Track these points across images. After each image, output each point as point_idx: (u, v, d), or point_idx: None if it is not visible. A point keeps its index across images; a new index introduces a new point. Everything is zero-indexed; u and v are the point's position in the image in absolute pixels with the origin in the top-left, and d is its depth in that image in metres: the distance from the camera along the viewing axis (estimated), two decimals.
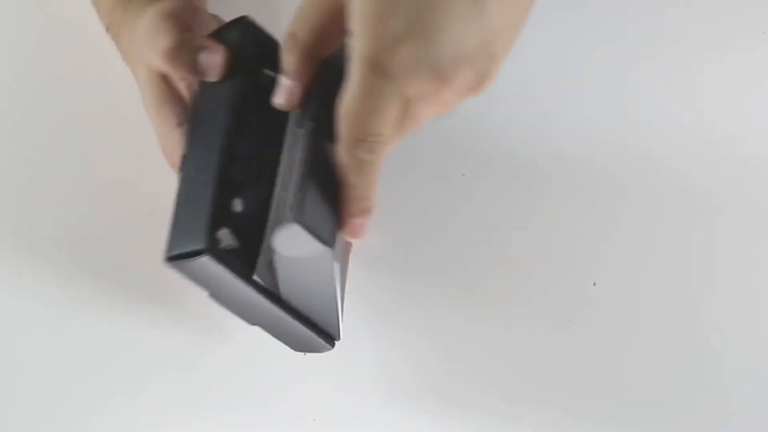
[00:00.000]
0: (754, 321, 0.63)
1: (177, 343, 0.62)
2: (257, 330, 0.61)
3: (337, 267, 0.53)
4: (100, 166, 0.66)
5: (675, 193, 0.67)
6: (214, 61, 0.57)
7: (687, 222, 0.66)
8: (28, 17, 0.70)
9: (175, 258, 0.54)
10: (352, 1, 0.48)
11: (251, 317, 0.58)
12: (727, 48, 0.72)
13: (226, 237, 0.53)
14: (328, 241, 0.50)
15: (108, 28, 0.65)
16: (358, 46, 0.49)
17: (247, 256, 0.53)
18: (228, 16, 0.60)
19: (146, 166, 0.63)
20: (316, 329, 0.58)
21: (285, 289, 0.55)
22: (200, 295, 0.63)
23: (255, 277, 0.54)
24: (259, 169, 0.54)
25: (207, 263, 0.53)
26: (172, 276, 0.64)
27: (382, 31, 0.48)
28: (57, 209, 0.66)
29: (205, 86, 0.57)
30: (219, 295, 0.56)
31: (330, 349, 0.59)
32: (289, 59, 0.53)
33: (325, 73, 0.53)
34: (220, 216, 0.53)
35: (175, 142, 0.59)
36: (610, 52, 0.70)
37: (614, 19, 0.72)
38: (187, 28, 0.59)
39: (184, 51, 0.57)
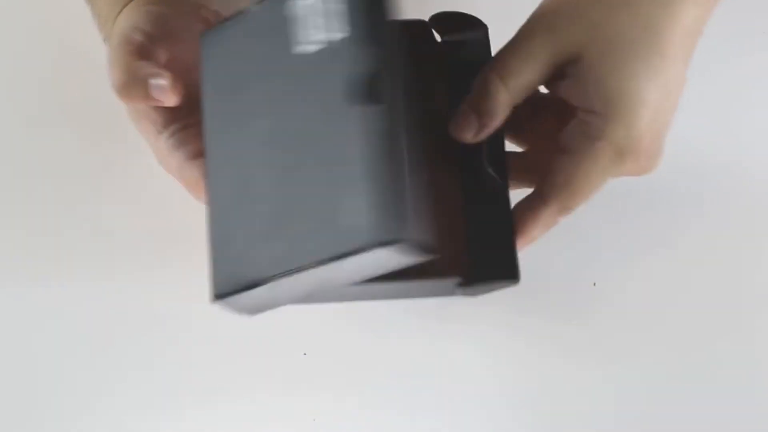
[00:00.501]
0: (754, 321, 0.63)
1: (176, 342, 0.63)
2: (257, 329, 0.61)
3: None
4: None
5: (675, 193, 0.67)
6: (163, 88, 0.57)
7: (687, 222, 0.66)
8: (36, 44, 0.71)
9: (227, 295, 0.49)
10: (598, 83, 0.49)
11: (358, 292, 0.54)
12: (726, 48, 0.72)
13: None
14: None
15: (105, 40, 0.65)
16: (607, 130, 0.50)
17: None
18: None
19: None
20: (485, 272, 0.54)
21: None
22: (200, 295, 0.63)
23: None
24: None
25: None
26: (172, 275, 0.64)
27: (642, 125, 0.50)
28: (52, 198, 0.66)
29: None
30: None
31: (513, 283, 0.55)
32: (492, 104, 0.52)
33: None
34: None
35: (162, 148, 0.60)
36: None
37: None
38: (142, 53, 0.58)
39: (134, 85, 0.57)
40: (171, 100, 0.57)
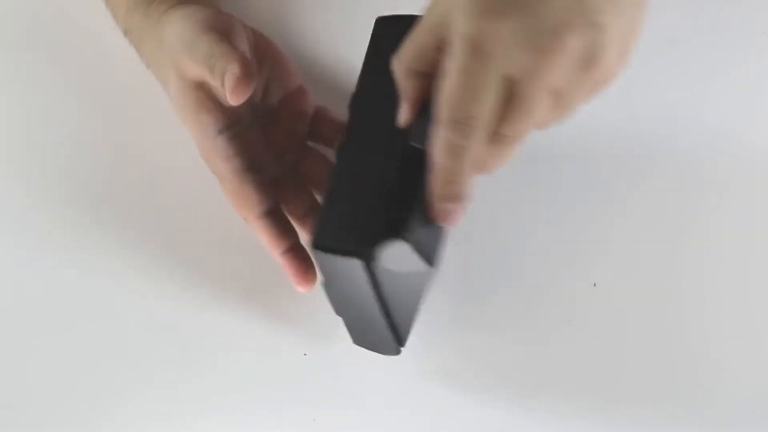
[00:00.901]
0: (755, 321, 0.63)
1: (176, 343, 0.63)
2: (257, 329, 0.61)
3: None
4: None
5: (675, 193, 0.67)
6: (239, 75, 0.57)
7: (687, 221, 0.66)
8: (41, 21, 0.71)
9: (325, 249, 0.52)
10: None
11: (346, 310, 0.58)
12: (727, 48, 0.72)
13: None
14: (432, 260, 0.51)
15: (126, 33, 0.65)
16: (457, 26, 0.47)
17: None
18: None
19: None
20: (394, 332, 0.58)
21: (383, 290, 0.55)
22: (200, 295, 0.63)
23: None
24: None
25: (358, 267, 0.52)
26: (171, 276, 0.64)
27: (484, 7, 0.46)
28: (79, 200, 0.66)
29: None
30: (333, 287, 0.56)
31: (396, 354, 0.60)
32: (399, 82, 0.52)
33: None
34: (394, 229, 0.51)
35: (218, 149, 0.59)
36: None
37: None
38: (225, 37, 0.59)
39: (221, 60, 0.57)
40: (242, 92, 0.57)
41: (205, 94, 0.60)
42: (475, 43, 0.46)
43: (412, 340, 0.61)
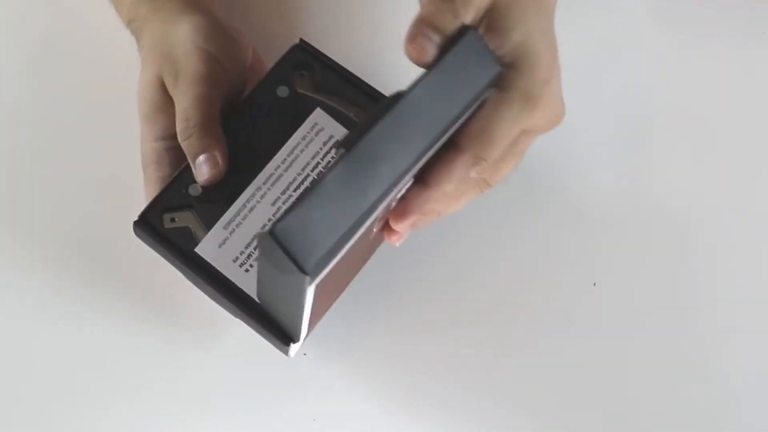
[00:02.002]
0: (755, 321, 0.63)
1: (176, 343, 0.63)
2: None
3: (311, 291, 0.49)
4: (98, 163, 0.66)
5: (675, 193, 0.67)
6: (215, 165, 0.59)
7: (687, 221, 0.66)
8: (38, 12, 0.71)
9: (136, 224, 0.58)
10: (506, 34, 0.51)
11: (219, 304, 0.58)
12: (727, 48, 0.72)
13: (174, 218, 0.58)
14: (308, 267, 0.46)
15: (130, 22, 0.65)
16: (516, 79, 0.51)
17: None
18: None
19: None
20: (272, 328, 0.57)
21: (260, 283, 0.54)
22: (200, 295, 0.63)
23: (197, 251, 0.57)
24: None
25: (140, 234, 0.58)
26: (171, 276, 0.64)
27: (543, 74, 0.51)
28: (57, 209, 0.66)
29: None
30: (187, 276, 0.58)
31: (284, 351, 0.57)
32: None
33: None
34: (173, 198, 0.58)
35: (154, 153, 0.60)
36: (609, 50, 0.70)
37: (614, 19, 0.72)
38: (214, 83, 0.60)
39: (197, 141, 0.59)
40: (215, 175, 0.59)
41: (166, 97, 0.60)
42: (529, 99, 0.51)
43: (407, 336, 0.61)
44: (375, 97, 0.62)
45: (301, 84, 0.62)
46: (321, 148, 0.60)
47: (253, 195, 0.59)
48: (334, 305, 0.61)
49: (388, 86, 0.61)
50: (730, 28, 0.73)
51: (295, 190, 0.59)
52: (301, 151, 0.60)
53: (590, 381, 0.62)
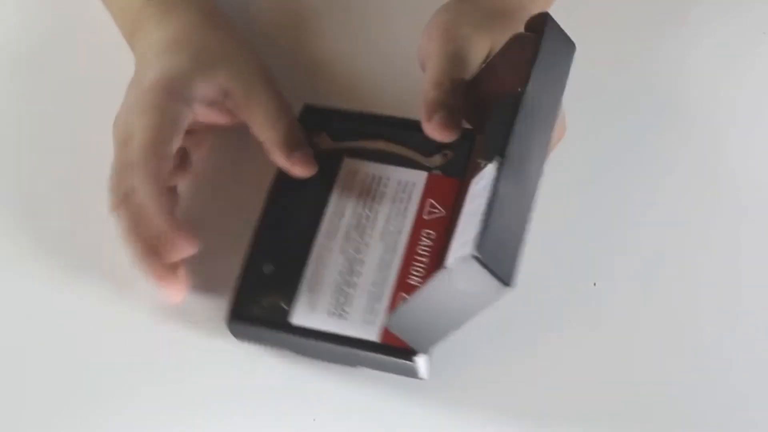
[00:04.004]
0: (755, 321, 0.63)
1: (176, 343, 0.63)
2: None
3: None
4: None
5: (675, 193, 0.67)
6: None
7: (687, 222, 0.66)
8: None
9: (231, 322, 0.60)
10: None
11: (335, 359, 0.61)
12: (727, 48, 0.72)
13: (261, 302, 0.60)
14: (513, 281, 0.51)
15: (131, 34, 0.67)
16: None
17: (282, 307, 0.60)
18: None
19: None
20: (398, 353, 0.58)
21: (408, 311, 0.55)
22: (200, 295, 0.63)
23: (294, 322, 0.59)
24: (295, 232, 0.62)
25: (237, 329, 0.60)
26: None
27: None
28: (60, 207, 0.67)
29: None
30: (299, 351, 0.61)
31: (413, 372, 0.58)
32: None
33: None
34: (254, 285, 0.60)
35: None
36: (609, 50, 0.70)
37: (614, 19, 0.73)
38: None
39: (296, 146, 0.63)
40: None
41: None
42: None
43: None
44: (393, 125, 0.65)
45: (321, 141, 0.65)
46: (363, 187, 0.63)
47: (320, 253, 0.61)
48: None
49: (399, 108, 0.65)
50: (730, 27, 0.73)
51: (356, 234, 0.61)
52: (347, 198, 0.63)
53: (590, 381, 0.62)
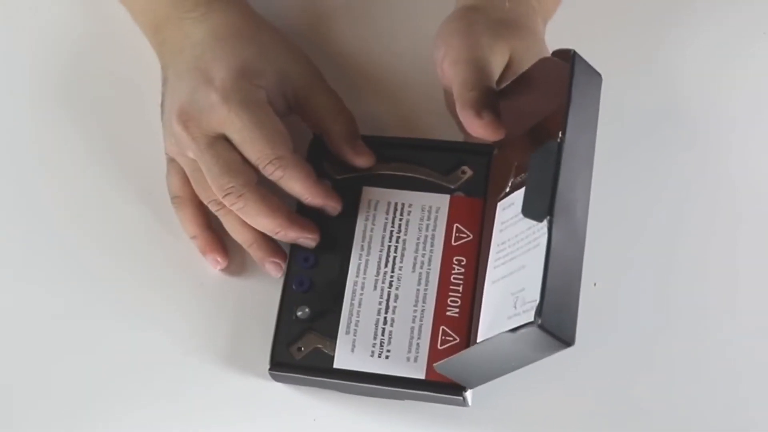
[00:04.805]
0: (756, 321, 0.63)
1: (176, 343, 0.63)
2: (257, 329, 0.61)
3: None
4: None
5: (675, 193, 0.67)
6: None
7: (687, 221, 0.66)
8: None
9: (271, 370, 0.60)
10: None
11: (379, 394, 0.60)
12: (726, 48, 0.72)
13: (300, 347, 0.60)
14: (573, 340, 0.51)
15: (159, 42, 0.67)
16: None
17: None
18: None
19: None
20: (443, 389, 0.58)
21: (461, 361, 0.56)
22: (199, 296, 0.63)
23: (337, 366, 0.59)
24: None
25: (280, 377, 0.60)
26: (171, 276, 0.64)
27: None
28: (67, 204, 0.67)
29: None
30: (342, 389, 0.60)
31: (459, 403, 0.58)
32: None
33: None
34: (290, 330, 0.60)
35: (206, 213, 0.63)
36: (608, 50, 0.70)
37: (613, 19, 0.72)
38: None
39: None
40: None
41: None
42: None
43: None
44: (406, 146, 0.65)
45: (336, 171, 0.64)
46: (387, 217, 0.63)
47: (354, 291, 0.61)
48: None
49: (413, 129, 0.67)
50: (730, 27, 0.73)
51: (387, 268, 0.61)
52: (372, 230, 0.62)
53: (590, 381, 0.62)
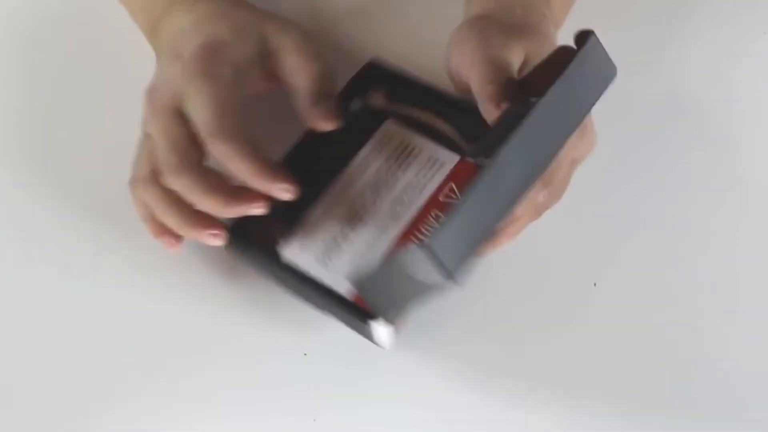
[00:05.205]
0: (756, 320, 0.63)
1: (175, 344, 0.63)
2: (256, 330, 0.61)
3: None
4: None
5: (675, 193, 0.67)
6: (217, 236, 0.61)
7: (687, 222, 0.66)
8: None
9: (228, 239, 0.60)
10: None
11: (310, 302, 0.61)
12: (727, 48, 0.72)
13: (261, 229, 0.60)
14: (460, 279, 0.51)
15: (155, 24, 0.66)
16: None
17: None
18: None
19: None
20: (361, 315, 0.58)
21: (372, 279, 0.55)
22: (199, 296, 0.63)
23: (284, 254, 0.60)
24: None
25: (233, 247, 0.61)
26: (170, 276, 0.64)
27: None
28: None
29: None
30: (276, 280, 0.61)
31: (369, 335, 0.59)
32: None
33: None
34: None
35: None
36: (609, 50, 0.70)
37: (615, 19, 0.73)
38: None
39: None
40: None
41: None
42: (584, 131, 0.59)
43: (409, 339, 0.61)
44: (449, 102, 0.65)
45: (374, 98, 0.65)
46: (392, 154, 0.64)
47: (329, 201, 0.62)
48: None
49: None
50: (730, 27, 0.73)
51: (370, 193, 0.62)
52: (375, 158, 0.63)
53: (590, 381, 0.62)
